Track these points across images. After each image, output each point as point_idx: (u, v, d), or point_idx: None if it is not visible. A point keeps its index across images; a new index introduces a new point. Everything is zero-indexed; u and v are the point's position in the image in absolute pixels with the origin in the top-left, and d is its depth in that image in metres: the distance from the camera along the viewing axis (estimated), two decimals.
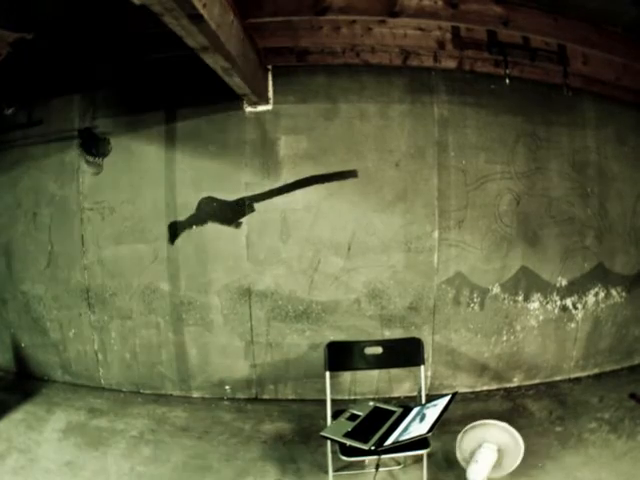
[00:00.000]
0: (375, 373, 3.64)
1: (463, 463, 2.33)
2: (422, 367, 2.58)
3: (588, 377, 3.92)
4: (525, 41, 3.28)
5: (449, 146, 3.55)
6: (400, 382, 3.67)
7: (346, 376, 3.62)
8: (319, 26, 3.13)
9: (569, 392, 3.67)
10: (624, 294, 4.02)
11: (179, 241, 3.61)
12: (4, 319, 4.13)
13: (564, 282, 3.82)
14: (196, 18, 1.82)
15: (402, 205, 3.54)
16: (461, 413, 3.39)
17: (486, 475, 2.18)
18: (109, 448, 2.92)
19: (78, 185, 3.73)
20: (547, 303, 3.80)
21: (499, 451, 2.25)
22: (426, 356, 3.66)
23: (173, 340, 3.70)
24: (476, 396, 3.69)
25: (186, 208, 3.58)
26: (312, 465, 2.76)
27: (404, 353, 2.66)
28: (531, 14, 3.23)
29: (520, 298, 3.75)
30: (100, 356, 3.85)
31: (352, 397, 3.61)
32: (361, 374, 3.63)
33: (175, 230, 3.61)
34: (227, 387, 3.70)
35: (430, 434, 1.99)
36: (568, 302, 3.85)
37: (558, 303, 3.83)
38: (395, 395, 3.66)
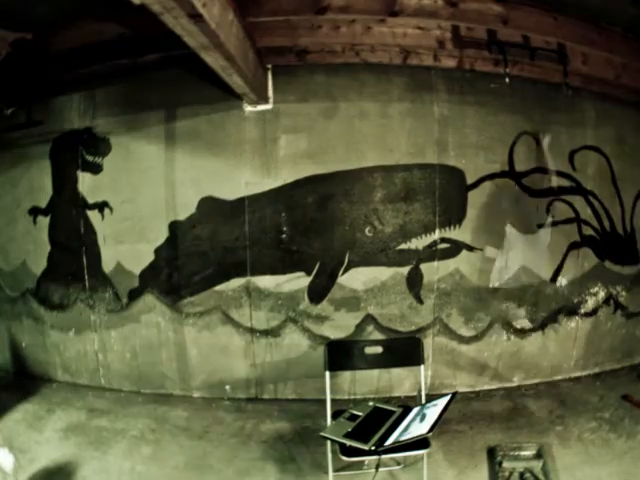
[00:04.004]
0: (375, 373, 3.64)
1: None
2: (422, 367, 2.58)
3: (588, 376, 3.91)
4: (525, 40, 3.28)
5: (449, 145, 3.54)
6: (400, 381, 3.67)
7: (346, 376, 3.62)
8: (319, 25, 3.14)
9: (569, 391, 3.67)
10: (624, 293, 4.02)
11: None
12: (4, 319, 4.14)
13: (564, 281, 3.82)
14: (196, 17, 1.83)
15: (402, 204, 3.54)
16: (462, 412, 3.39)
17: None
18: (110, 448, 2.92)
19: (78, 185, 3.74)
20: (547, 302, 3.80)
21: None
22: (426, 355, 3.66)
23: (173, 339, 3.70)
24: (476, 395, 3.68)
25: (186, 208, 3.58)
26: (312, 465, 2.76)
27: (404, 352, 2.66)
28: (531, 13, 3.23)
29: (520, 297, 3.74)
30: (100, 356, 3.85)
31: (352, 397, 3.61)
32: (361, 374, 3.63)
33: (175, 230, 3.61)
34: (227, 387, 3.70)
35: (430, 434, 1.99)
36: (568, 301, 3.85)
37: (558, 302, 3.83)
38: (395, 395, 3.66)
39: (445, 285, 3.62)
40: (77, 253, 3.77)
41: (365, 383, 3.64)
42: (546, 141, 3.65)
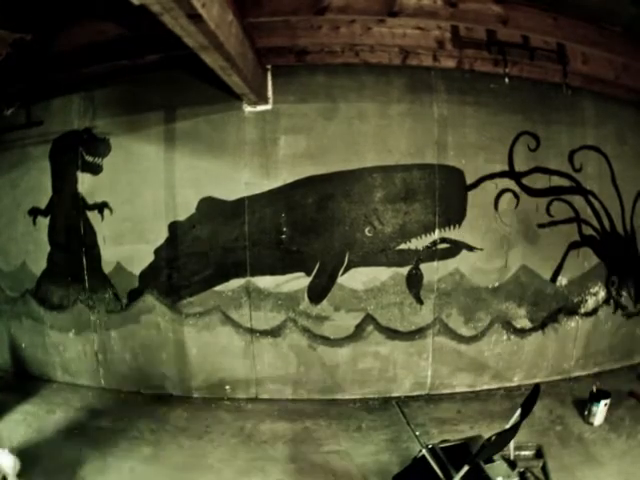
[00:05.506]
0: (376, 372, 3.64)
1: None
2: None
3: (588, 376, 3.91)
4: (524, 40, 3.28)
5: (448, 145, 3.54)
6: (400, 381, 3.67)
7: (346, 375, 3.62)
8: (318, 26, 3.14)
9: (569, 391, 3.68)
10: (624, 293, 4.02)
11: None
12: (4, 319, 4.14)
13: (564, 281, 3.82)
14: (195, 18, 1.83)
15: (402, 204, 3.54)
16: (461, 412, 3.39)
17: None
18: (110, 448, 2.92)
19: (78, 186, 3.74)
20: (547, 302, 3.80)
21: None
22: (425, 355, 3.66)
23: (173, 340, 3.70)
24: (476, 395, 3.68)
25: (186, 208, 3.58)
26: (313, 464, 2.76)
27: None
28: (530, 13, 3.23)
29: (520, 297, 3.75)
30: (100, 356, 3.85)
31: (353, 397, 3.61)
32: (362, 374, 3.63)
33: (175, 230, 3.61)
34: (227, 387, 3.70)
35: None
36: (568, 301, 3.85)
37: (558, 302, 3.83)
38: (395, 395, 3.66)
39: (445, 285, 3.61)
40: (77, 254, 3.77)
41: (366, 383, 3.64)
42: None
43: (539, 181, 3.70)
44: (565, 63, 3.37)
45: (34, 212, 3.88)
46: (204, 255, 3.60)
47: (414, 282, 3.58)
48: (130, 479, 2.62)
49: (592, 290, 3.91)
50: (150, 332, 3.72)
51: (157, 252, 3.64)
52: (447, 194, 3.56)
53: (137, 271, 3.68)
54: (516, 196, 3.65)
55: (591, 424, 3.10)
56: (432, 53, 3.36)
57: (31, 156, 3.86)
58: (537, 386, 2.23)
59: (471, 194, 3.59)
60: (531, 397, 2.18)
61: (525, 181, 3.66)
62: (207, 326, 3.65)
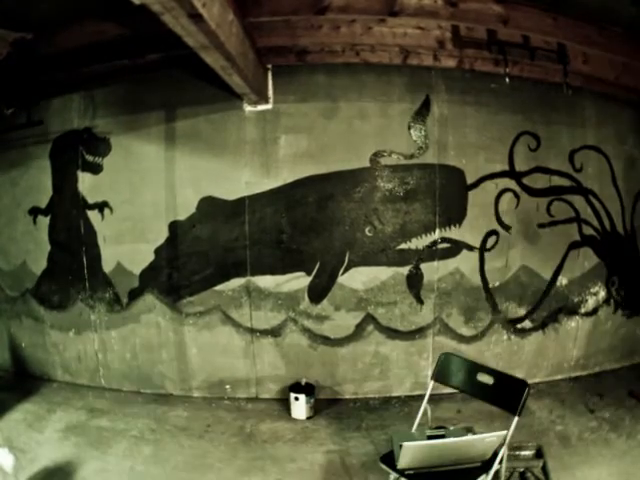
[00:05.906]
0: (376, 372, 3.64)
1: None
2: (515, 418, 2.09)
3: (589, 376, 3.92)
4: (525, 40, 3.27)
5: (449, 145, 3.54)
6: (400, 381, 3.67)
7: (346, 374, 3.62)
8: (318, 25, 3.13)
9: (569, 391, 3.67)
10: (624, 293, 4.02)
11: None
12: (4, 319, 4.14)
13: (564, 281, 3.82)
14: (196, 17, 1.82)
15: (402, 204, 3.53)
16: (461, 412, 3.39)
17: None
18: (110, 448, 2.92)
19: (78, 185, 3.74)
20: (547, 302, 3.80)
21: None
22: (426, 355, 3.67)
23: (173, 339, 3.70)
24: None
25: (186, 208, 3.58)
26: (313, 464, 2.76)
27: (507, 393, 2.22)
28: (531, 13, 3.22)
29: (520, 297, 3.75)
30: (100, 356, 3.85)
31: (354, 396, 3.61)
32: (362, 373, 3.63)
33: (175, 230, 3.61)
34: (227, 386, 3.70)
35: None
36: (568, 301, 3.85)
37: (558, 302, 3.83)
38: (395, 394, 3.66)
39: (445, 285, 3.61)
40: (77, 253, 3.77)
41: (366, 383, 3.64)
42: None
43: (539, 181, 3.70)
44: (565, 63, 3.36)
45: (34, 211, 3.88)
46: (204, 255, 3.60)
47: (414, 282, 3.58)
48: (130, 479, 2.62)
49: (592, 290, 3.91)
50: (150, 331, 3.72)
51: (157, 252, 3.64)
52: (447, 194, 3.56)
53: (137, 271, 3.68)
54: (516, 196, 3.65)
55: None
56: (433, 53, 3.35)
57: (31, 155, 3.86)
58: None
59: (471, 194, 3.59)
60: None
61: (525, 181, 3.67)
62: (207, 325, 3.65)
